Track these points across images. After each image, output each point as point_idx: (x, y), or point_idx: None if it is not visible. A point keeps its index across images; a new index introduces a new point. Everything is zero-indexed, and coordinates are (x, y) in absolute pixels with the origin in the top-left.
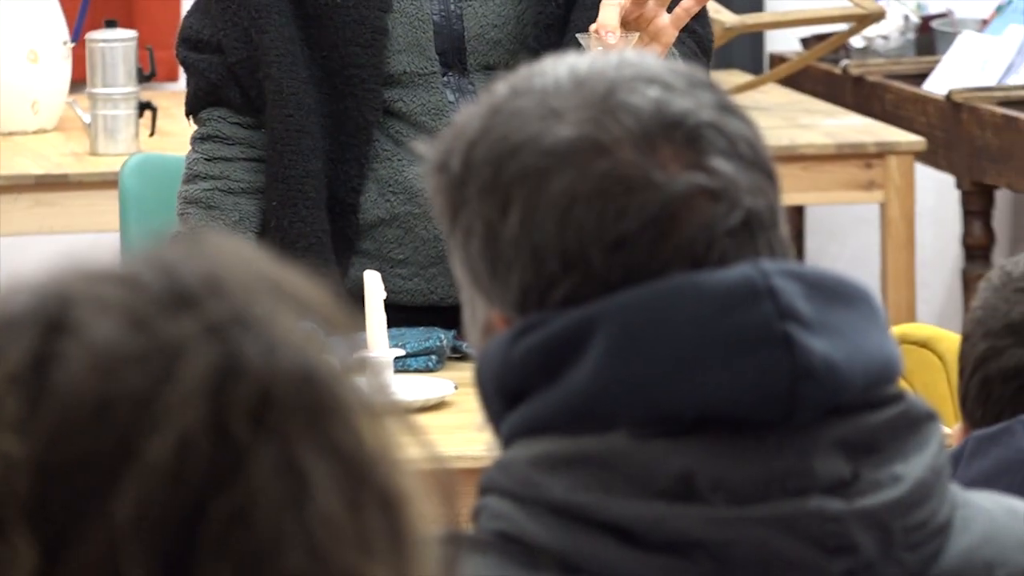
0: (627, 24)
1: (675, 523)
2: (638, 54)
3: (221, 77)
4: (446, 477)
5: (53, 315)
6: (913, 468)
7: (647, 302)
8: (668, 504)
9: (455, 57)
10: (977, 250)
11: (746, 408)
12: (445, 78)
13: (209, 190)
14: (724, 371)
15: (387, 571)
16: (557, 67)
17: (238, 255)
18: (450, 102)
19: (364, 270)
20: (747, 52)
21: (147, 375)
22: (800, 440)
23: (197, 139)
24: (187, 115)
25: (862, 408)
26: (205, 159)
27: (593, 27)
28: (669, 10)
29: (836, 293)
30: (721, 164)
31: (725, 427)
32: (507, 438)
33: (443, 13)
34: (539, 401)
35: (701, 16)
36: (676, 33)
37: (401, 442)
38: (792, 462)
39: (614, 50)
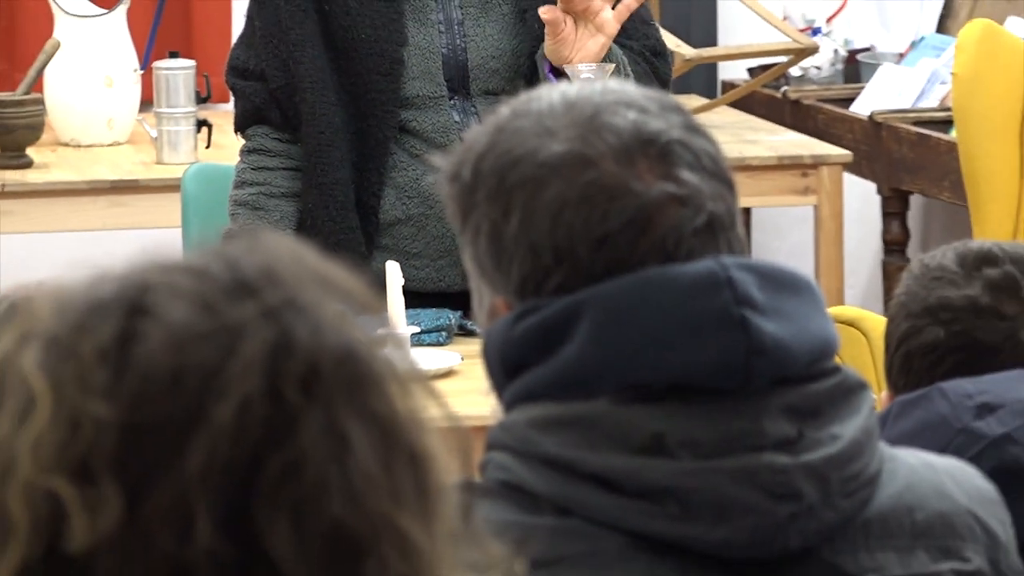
0: (576, 14)
1: (648, 474)
2: (618, 83)
3: (264, 100)
4: (461, 435)
5: (135, 300)
6: (848, 429)
7: (626, 290)
8: (642, 458)
9: (460, 83)
10: (895, 245)
11: (708, 379)
12: (451, 101)
13: (255, 194)
14: (690, 348)
15: (414, 516)
16: (551, 93)
17: (288, 250)
18: (456, 122)
19: (384, 262)
20: (703, 80)
21: (214, 350)
22: (753, 406)
23: (244, 152)
24: (236, 131)
25: (805, 379)
26: (251, 168)
27: (543, 11)
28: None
29: (784, 283)
30: (688, 175)
31: (691, 394)
32: (508, 403)
33: (450, 46)
34: (535, 373)
35: (661, 54)
36: (618, 27)
37: (425, 405)
38: (746, 424)
39: (598, 80)
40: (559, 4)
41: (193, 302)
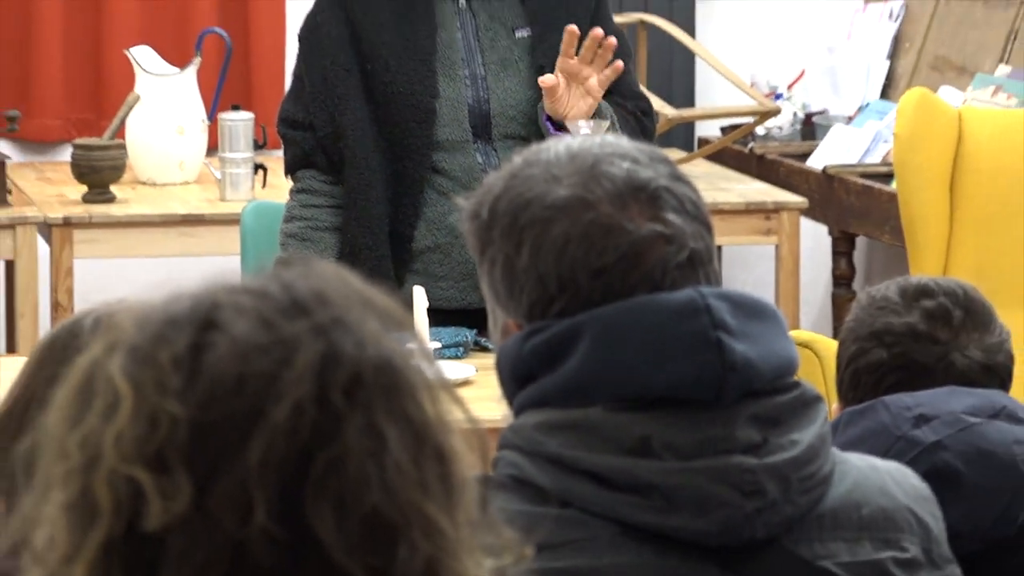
0: (569, 78)
1: (636, 472)
2: (614, 137)
3: (312, 147)
4: (478, 435)
5: (205, 315)
6: (805, 435)
7: (619, 315)
8: (632, 458)
9: (483, 130)
10: (843, 280)
11: (688, 391)
12: (475, 145)
13: (303, 227)
14: (673, 365)
15: (439, 505)
16: (557, 145)
17: (335, 276)
18: (479, 163)
19: (414, 285)
20: (682, 136)
21: (272, 360)
22: (726, 415)
23: (294, 191)
24: (286, 174)
25: (770, 392)
26: (300, 205)
27: (542, 80)
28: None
29: (753, 310)
30: (673, 217)
31: (673, 404)
32: (517, 409)
33: (475, 98)
34: (541, 383)
35: (649, 114)
36: (602, 91)
37: (449, 409)
38: (720, 430)
39: (596, 135)
40: (557, 71)
41: (255, 319)
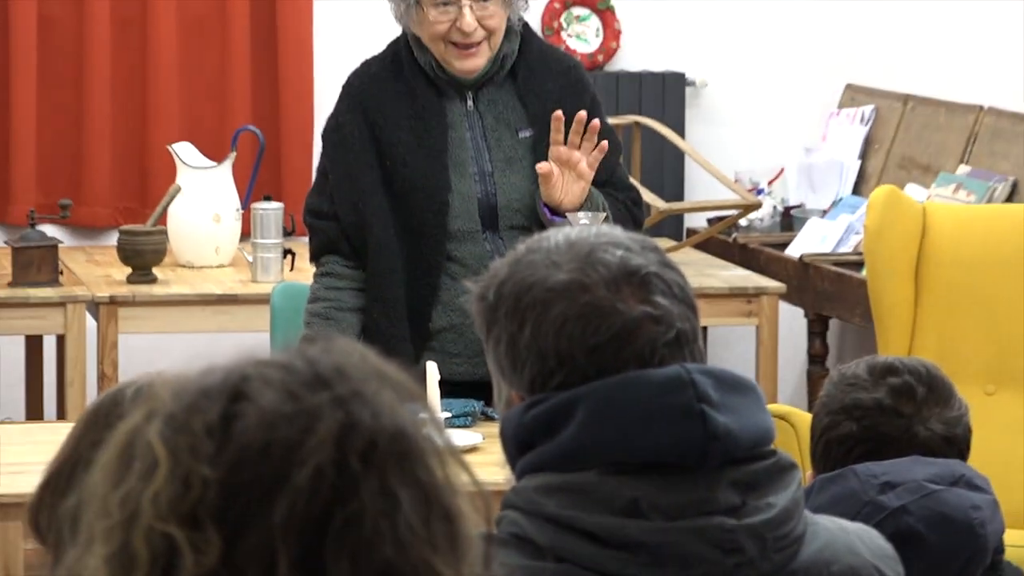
0: (562, 165)
1: (626, 531)
2: (608, 227)
3: (336, 235)
4: (483, 497)
5: (236, 387)
6: (781, 499)
7: (612, 388)
8: (622, 519)
9: (491, 221)
10: (817, 358)
11: (674, 458)
12: (484, 235)
13: (327, 307)
14: (660, 434)
15: (447, 561)
16: (557, 235)
17: (355, 352)
18: (487, 251)
19: (431, 360)
20: (672, 226)
21: (296, 429)
22: (708, 479)
23: (318, 275)
24: (311, 260)
25: (749, 460)
26: (324, 288)
27: (539, 167)
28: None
29: (734, 385)
30: (662, 300)
31: (660, 469)
32: (519, 473)
33: (483, 192)
34: (540, 450)
35: (639, 204)
36: (592, 174)
37: (457, 473)
38: (703, 493)
39: (593, 225)
40: (550, 159)
41: (281, 390)
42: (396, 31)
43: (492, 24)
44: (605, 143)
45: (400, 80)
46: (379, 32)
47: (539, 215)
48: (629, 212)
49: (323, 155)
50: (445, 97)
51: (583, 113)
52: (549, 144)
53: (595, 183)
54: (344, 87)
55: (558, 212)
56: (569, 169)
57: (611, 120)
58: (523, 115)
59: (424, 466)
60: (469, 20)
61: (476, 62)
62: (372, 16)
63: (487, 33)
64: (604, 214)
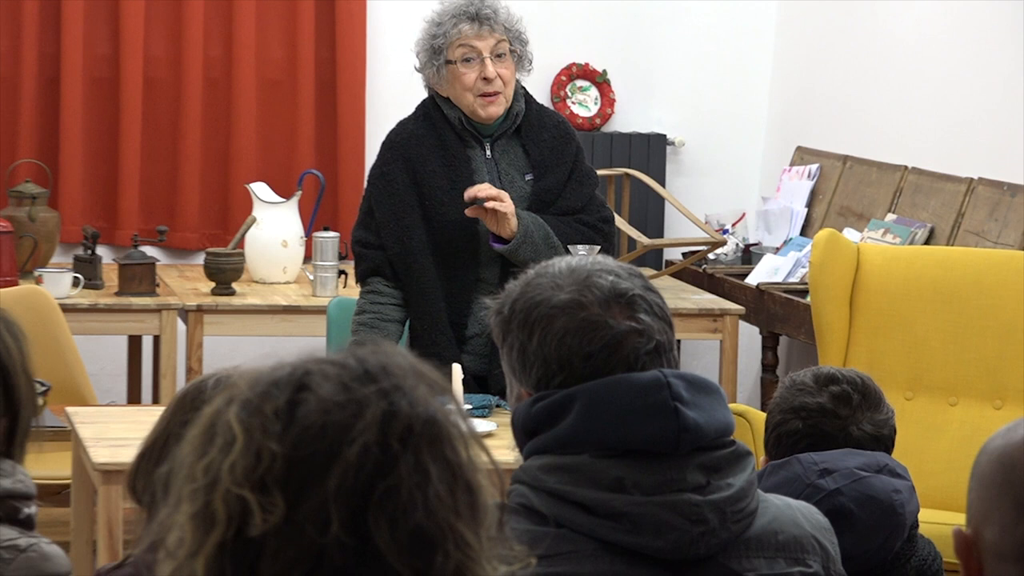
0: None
1: (612, 503)
2: (603, 257)
3: (380, 262)
4: (498, 474)
5: (300, 379)
6: (738, 480)
7: (602, 388)
8: (609, 493)
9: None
10: (769, 367)
11: (652, 446)
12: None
13: (371, 318)
14: (641, 426)
15: (467, 524)
16: (560, 263)
17: (396, 354)
18: (509, 272)
19: (467, 361)
20: (653, 258)
21: (347, 414)
22: (679, 463)
23: (364, 292)
24: (356, 281)
25: (713, 448)
26: (369, 303)
27: (468, 211)
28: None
29: (702, 387)
30: (644, 317)
31: (640, 455)
32: (526, 455)
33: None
34: (544, 437)
35: (610, 222)
36: (514, 220)
37: (477, 454)
38: (675, 474)
39: (589, 256)
40: (472, 210)
41: (336, 383)
42: (422, 95)
43: (506, 75)
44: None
45: (432, 135)
46: (416, 97)
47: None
48: (598, 229)
49: (369, 197)
50: (469, 147)
51: (481, 191)
52: (544, 186)
53: (569, 210)
54: (385, 143)
55: (499, 239)
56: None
57: (605, 172)
58: (526, 162)
59: (451, 447)
60: (491, 68)
61: (496, 109)
62: (411, 83)
63: (504, 83)
64: (597, 248)
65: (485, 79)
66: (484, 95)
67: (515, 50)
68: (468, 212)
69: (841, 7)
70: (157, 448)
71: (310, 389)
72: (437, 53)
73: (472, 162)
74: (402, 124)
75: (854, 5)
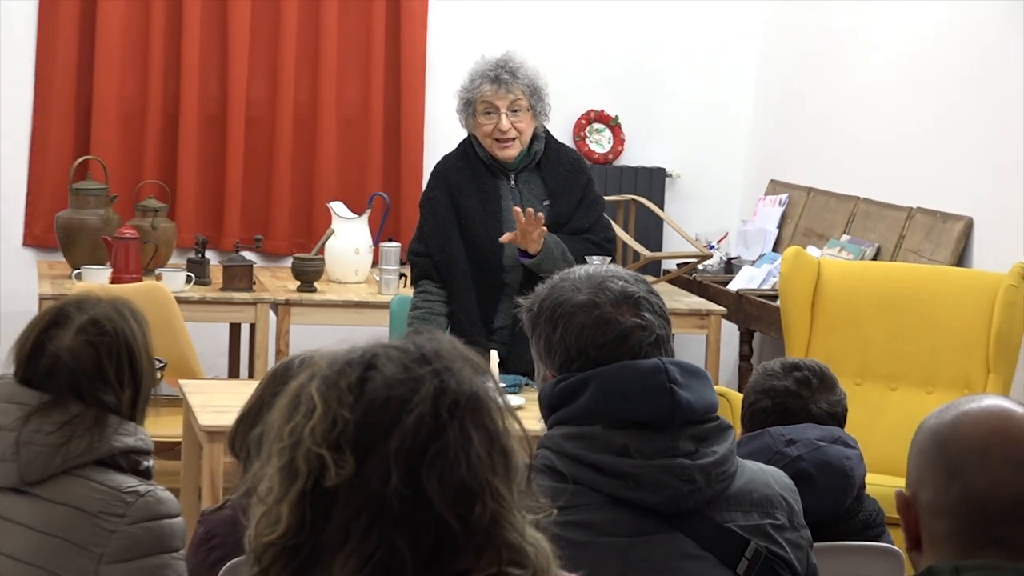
0: (523, 233)
1: (619, 465)
2: (614, 266)
3: (429, 267)
4: (527, 440)
5: (369, 360)
6: (721, 448)
7: (612, 372)
8: (616, 457)
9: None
10: (745, 358)
11: (652, 419)
12: (524, 268)
13: (423, 313)
14: (643, 403)
15: (502, 480)
16: (579, 270)
17: (446, 341)
18: (527, 278)
19: (496, 348)
20: (653, 268)
21: (406, 389)
22: (673, 434)
23: (417, 292)
24: (411, 283)
25: (701, 422)
26: (421, 300)
27: (504, 239)
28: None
29: (693, 372)
30: (648, 315)
31: (642, 426)
32: (549, 426)
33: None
34: (564, 411)
35: (612, 241)
36: (540, 242)
37: (511, 423)
38: (669, 443)
39: (603, 265)
40: (517, 233)
41: (398, 364)
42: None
43: (521, 127)
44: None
45: (468, 167)
46: (462, 133)
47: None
48: (602, 246)
49: (421, 216)
50: (497, 178)
51: (530, 213)
52: (558, 211)
53: (579, 230)
54: (432, 172)
55: (525, 253)
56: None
57: (615, 198)
58: (544, 190)
59: (490, 417)
60: (504, 124)
61: (510, 152)
62: (456, 122)
63: (518, 133)
64: (609, 258)
65: (500, 130)
66: (499, 140)
67: (532, 104)
68: (502, 239)
69: (811, 68)
70: (252, 414)
71: (377, 368)
72: (468, 105)
73: (500, 190)
74: (446, 158)
75: (822, 66)
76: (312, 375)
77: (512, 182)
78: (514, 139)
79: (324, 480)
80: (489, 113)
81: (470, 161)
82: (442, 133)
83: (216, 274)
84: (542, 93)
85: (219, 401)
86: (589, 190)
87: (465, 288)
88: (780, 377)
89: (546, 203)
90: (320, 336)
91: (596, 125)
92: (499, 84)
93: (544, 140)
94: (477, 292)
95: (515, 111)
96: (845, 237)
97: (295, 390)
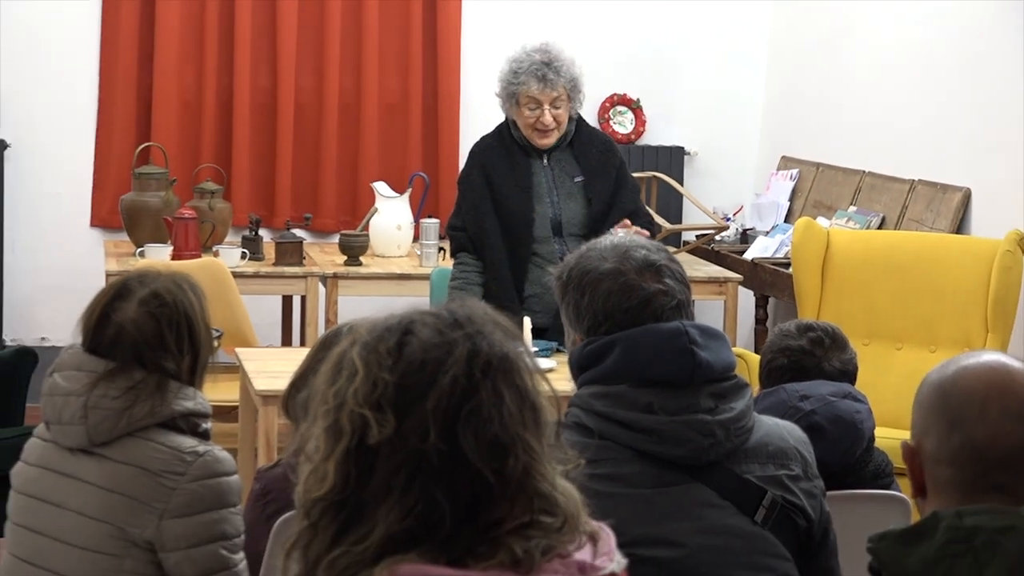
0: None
1: (644, 422)
2: (637, 236)
3: (465, 241)
4: (557, 399)
5: (406, 326)
6: (738, 404)
7: (637, 335)
8: (641, 414)
9: (557, 231)
10: (760, 321)
11: (674, 378)
12: (555, 239)
13: (460, 283)
14: (666, 363)
15: (533, 435)
16: (604, 240)
17: (479, 307)
18: (556, 250)
19: (527, 314)
20: (674, 239)
21: (442, 352)
22: (694, 392)
23: (455, 264)
24: (451, 255)
25: (720, 380)
26: (459, 272)
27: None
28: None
29: (712, 334)
30: (669, 281)
31: (665, 385)
32: (579, 385)
33: (553, 214)
34: (592, 372)
35: (651, 224)
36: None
37: (541, 383)
38: (691, 400)
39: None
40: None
41: (434, 329)
42: (501, 116)
43: (561, 119)
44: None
45: (503, 147)
46: (494, 117)
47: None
48: (648, 228)
49: (458, 193)
50: (530, 157)
51: (627, 222)
52: (592, 187)
53: (626, 211)
54: (470, 153)
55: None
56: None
57: (638, 175)
58: (576, 166)
59: (521, 377)
60: (547, 119)
61: (549, 141)
62: (493, 107)
63: (557, 124)
64: (634, 229)
65: (543, 123)
66: (540, 131)
67: (572, 96)
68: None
69: (818, 51)
70: (302, 379)
71: (414, 333)
72: (511, 96)
73: (532, 168)
74: (483, 139)
75: (829, 49)
76: (353, 341)
77: (545, 161)
78: (553, 129)
79: (367, 438)
80: (533, 108)
81: (505, 142)
82: (477, 116)
83: (269, 250)
84: (580, 85)
85: (273, 367)
86: (623, 171)
87: (498, 259)
88: (795, 337)
89: (578, 179)
90: (366, 306)
91: (619, 107)
92: (545, 83)
93: (576, 122)
94: (509, 264)
95: (557, 106)
96: (852, 208)
97: (338, 356)
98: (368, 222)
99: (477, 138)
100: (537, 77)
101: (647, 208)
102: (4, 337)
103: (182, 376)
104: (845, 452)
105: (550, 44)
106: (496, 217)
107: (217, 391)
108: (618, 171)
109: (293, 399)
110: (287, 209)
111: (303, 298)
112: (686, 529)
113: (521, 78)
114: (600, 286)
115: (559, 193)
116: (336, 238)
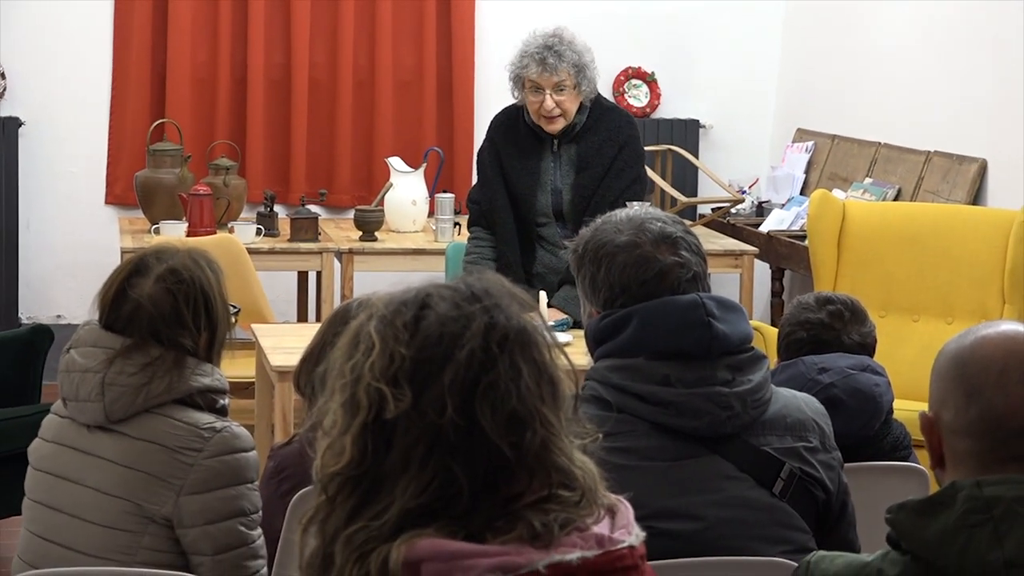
0: None
1: (661, 394)
2: (653, 208)
3: (480, 215)
4: (574, 373)
5: (423, 299)
6: (756, 376)
7: (653, 307)
8: (659, 387)
9: (559, 214)
10: (776, 294)
11: (691, 350)
12: (556, 222)
13: (475, 257)
14: (683, 335)
15: (550, 408)
16: (620, 213)
17: (496, 280)
18: (558, 232)
19: (537, 290)
20: (690, 212)
21: (459, 326)
22: (712, 364)
23: (470, 238)
24: (467, 227)
25: (737, 352)
26: (474, 246)
27: None
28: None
29: (729, 306)
30: (685, 253)
31: (682, 357)
32: (596, 359)
33: (555, 199)
34: (609, 345)
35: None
36: None
37: (558, 357)
38: (708, 372)
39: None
40: None
41: (450, 302)
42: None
43: (566, 106)
44: None
45: (515, 129)
46: (508, 92)
47: None
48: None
49: (477, 168)
50: (540, 142)
51: None
52: (588, 175)
53: (607, 200)
54: (490, 125)
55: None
56: None
57: (653, 148)
58: (576, 156)
59: (537, 350)
60: (548, 104)
61: (554, 127)
62: (507, 83)
63: (562, 111)
64: (648, 203)
65: (545, 109)
66: (545, 116)
67: (578, 82)
68: None
69: (833, 22)
70: (315, 354)
71: (430, 307)
72: (518, 79)
73: (541, 152)
74: (500, 114)
75: (844, 20)
76: (370, 315)
77: (554, 147)
78: (559, 116)
79: (384, 413)
80: (536, 92)
81: (517, 124)
82: (492, 91)
83: (284, 226)
84: (588, 69)
85: (289, 343)
86: (620, 159)
87: (508, 235)
88: (814, 310)
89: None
90: (382, 281)
91: (634, 81)
92: (544, 67)
93: (587, 112)
94: (519, 240)
95: (560, 91)
96: (868, 180)
97: (355, 330)
98: (383, 197)
99: (491, 113)
100: (537, 60)
101: (643, 196)
102: (20, 315)
103: (199, 352)
104: (864, 425)
105: (562, 29)
106: (507, 196)
107: (234, 367)
108: (613, 161)
109: (305, 374)
110: (302, 185)
111: (318, 274)
112: (704, 502)
113: (524, 61)
114: (616, 259)
115: (562, 181)
116: (351, 214)
